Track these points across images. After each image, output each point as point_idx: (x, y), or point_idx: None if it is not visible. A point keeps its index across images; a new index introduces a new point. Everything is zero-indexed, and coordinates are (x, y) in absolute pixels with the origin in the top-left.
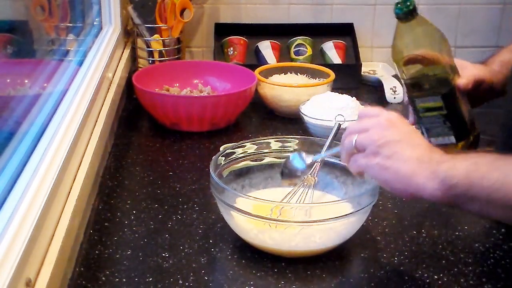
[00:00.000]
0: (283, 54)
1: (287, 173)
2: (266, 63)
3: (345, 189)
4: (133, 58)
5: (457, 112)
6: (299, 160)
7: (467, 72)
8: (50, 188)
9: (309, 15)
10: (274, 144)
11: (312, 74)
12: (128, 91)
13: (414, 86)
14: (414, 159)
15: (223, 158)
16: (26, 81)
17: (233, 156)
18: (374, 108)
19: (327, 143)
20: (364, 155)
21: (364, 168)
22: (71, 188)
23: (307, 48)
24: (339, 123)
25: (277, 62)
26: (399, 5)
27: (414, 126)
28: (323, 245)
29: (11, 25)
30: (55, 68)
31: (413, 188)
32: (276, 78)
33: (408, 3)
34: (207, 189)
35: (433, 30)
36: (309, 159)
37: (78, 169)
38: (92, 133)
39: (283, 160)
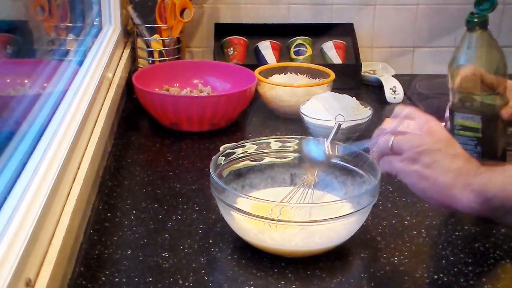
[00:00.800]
0: (283, 54)
1: (306, 158)
2: (266, 63)
3: (345, 189)
4: (133, 58)
5: (492, 139)
6: (319, 150)
7: None
8: (50, 188)
9: (309, 15)
10: (274, 144)
11: (312, 74)
12: (128, 91)
13: (459, 100)
14: (453, 170)
15: (223, 158)
16: (26, 81)
17: (233, 156)
18: (413, 109)
19: (327, 143)
20: (401, 159)
21: (400, 173)
22: (71, 188)
23: (307, 48)
24: (339, 123)
25: (277, 62)
26: (473, 14)
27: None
28: (323, 245)
29: (11, 25)
30: (55, 68)
31: (450, 199)
32: (276, 78)
33: (482, 15)
34: (207, 189)
35: (497, 50)
36: (332, 148)
37: (78, 169)
38: (92, 133)
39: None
